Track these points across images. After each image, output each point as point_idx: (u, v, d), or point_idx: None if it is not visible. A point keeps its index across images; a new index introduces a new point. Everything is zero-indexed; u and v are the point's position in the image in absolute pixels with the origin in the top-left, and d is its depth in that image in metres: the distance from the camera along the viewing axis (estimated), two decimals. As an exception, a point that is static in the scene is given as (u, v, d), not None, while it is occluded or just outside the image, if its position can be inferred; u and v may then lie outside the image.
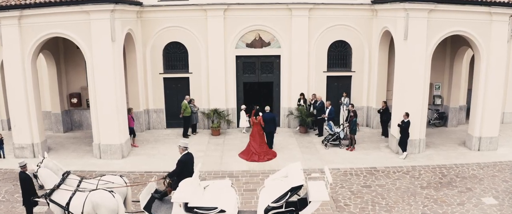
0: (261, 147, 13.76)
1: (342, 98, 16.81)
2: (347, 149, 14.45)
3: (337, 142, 14.79)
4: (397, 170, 12.95)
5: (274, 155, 13.95)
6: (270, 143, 14.40)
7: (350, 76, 17.01)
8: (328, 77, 16.86)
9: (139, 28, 15.97)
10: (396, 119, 14.28)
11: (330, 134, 14.83)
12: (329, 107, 15.63)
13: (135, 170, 12.93)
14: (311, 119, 16.19)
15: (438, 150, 14.70)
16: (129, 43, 15.66)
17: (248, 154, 13.73)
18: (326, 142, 14.79)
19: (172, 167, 9.40)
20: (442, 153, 14.39)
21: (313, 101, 16.30)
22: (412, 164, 13.41)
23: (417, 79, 13.70)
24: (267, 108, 14.72)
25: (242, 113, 16.44)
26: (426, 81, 13.87)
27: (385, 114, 15.91)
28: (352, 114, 14.68)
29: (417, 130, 14.08)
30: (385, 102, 15.96)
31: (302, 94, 16.55)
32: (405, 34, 13.43)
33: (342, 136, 14.70)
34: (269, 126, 14.27)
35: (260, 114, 14.26)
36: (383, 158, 13.93)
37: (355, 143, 14.72)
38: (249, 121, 15.42)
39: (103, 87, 13.34)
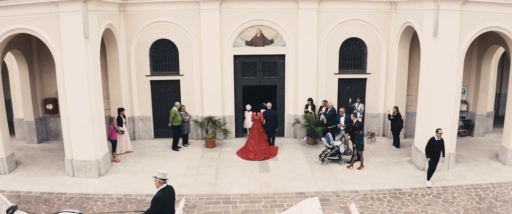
0: (259, 145, 13.09)
1: (356, 104, 14.69)
2: (358, 168, 12.26)
3: (336, 158, 12.64)
4: (426, 192, 10.83)
5: (273, 154, 13.16)
6: (270, 141, 13.76)
7: (365, 79, 14.92)
8: (340, 80, 14.78)
9: (121, 24, 13.90)
10: (422, 130, 12.21)
11: (328, 148, 12.69)
12: (344, 115, 13.51)
13: (112, 193, 10.80)
14: (321, 128, 14.06)
15: (469, 165, 12.63)
16: (110, 41, 13.60)
17: (245, 152, 13.10)
18: (323, 157, 12.64)
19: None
20: (474, 169, 12.34)
21: (324, 109, 14.23)
22: (443, 184, 11.32)
23: (448, 83, 11.66)
24: (269, 104, 13.90)
25: (247, 114, 14.88)
26: (458, 85, 11.82)
27: (396, 122, 13.83)
28: (356, 125, 12.42)
29: (447, 143, 11.97)
30: (396, 108, 13.92)
31: (310, 99, 14.46)
32: (435, 30, 11.34)
33: (342, 150, 12.54)
34: (270, 123, 13.58)
35: (262, 110, 13.65)
36: (408, 176, 11.81)
37: (363, 161, 12.46)
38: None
39: (75, 92, 11.24)
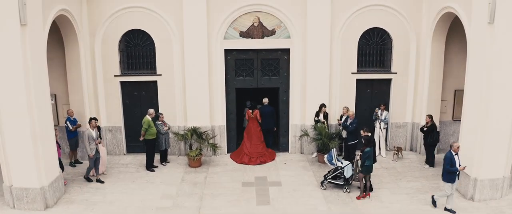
0: (255, 147, 11.91)
1: (379, 111, 11.88)
2: (357, 197, 9.42)
3: (341, 182, 9.78)
4: (481, 234, 8.03)
5: (271, 157, 11.98)
6: (268, 143, 12.40)
7: (390, 79, 12.19)
8: (358, 81, 12.04)
9: (83, 10, 11.17)
10: (468, 145, 9.39)
11: (333, 169, 9.94)
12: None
13: (58, 235, 8.02)
14: (336, 142, 11.23)
15: (524, 191, 9.88)
16: (69, 32, 10.88)
17: (239, 155, 11.96)
18: (325, 179, 9.92)
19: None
20: (532, 197, 9.58)
21: (345, 117, 11.45)
22: (499, 219, 8.55)
23: (508, 84, 8.84)
24: (265, 100, 12.39)
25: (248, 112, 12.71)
26: (518, 88, 9.05)
27: (430, 135, 11.00)
28: (363, 139, 9.56)
29: (502, 164, 9.32)
30: (430, 117, 11.16)
31: (322, 106, 11.65)
32: (491, 15, 8.52)
33: (348, 173, 9.67)
34: (268, 121, 12.28)
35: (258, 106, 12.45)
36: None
37: (368, 189, 9.50)
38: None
39: (8, 99, 8.45)
